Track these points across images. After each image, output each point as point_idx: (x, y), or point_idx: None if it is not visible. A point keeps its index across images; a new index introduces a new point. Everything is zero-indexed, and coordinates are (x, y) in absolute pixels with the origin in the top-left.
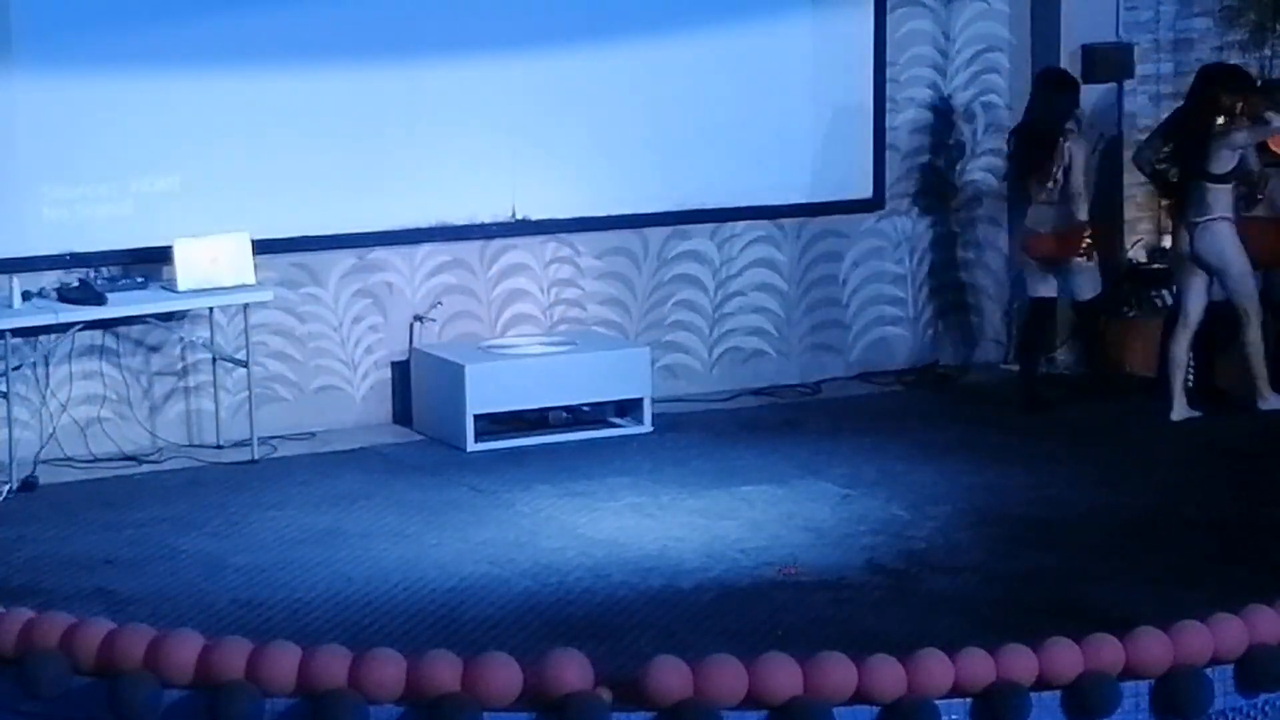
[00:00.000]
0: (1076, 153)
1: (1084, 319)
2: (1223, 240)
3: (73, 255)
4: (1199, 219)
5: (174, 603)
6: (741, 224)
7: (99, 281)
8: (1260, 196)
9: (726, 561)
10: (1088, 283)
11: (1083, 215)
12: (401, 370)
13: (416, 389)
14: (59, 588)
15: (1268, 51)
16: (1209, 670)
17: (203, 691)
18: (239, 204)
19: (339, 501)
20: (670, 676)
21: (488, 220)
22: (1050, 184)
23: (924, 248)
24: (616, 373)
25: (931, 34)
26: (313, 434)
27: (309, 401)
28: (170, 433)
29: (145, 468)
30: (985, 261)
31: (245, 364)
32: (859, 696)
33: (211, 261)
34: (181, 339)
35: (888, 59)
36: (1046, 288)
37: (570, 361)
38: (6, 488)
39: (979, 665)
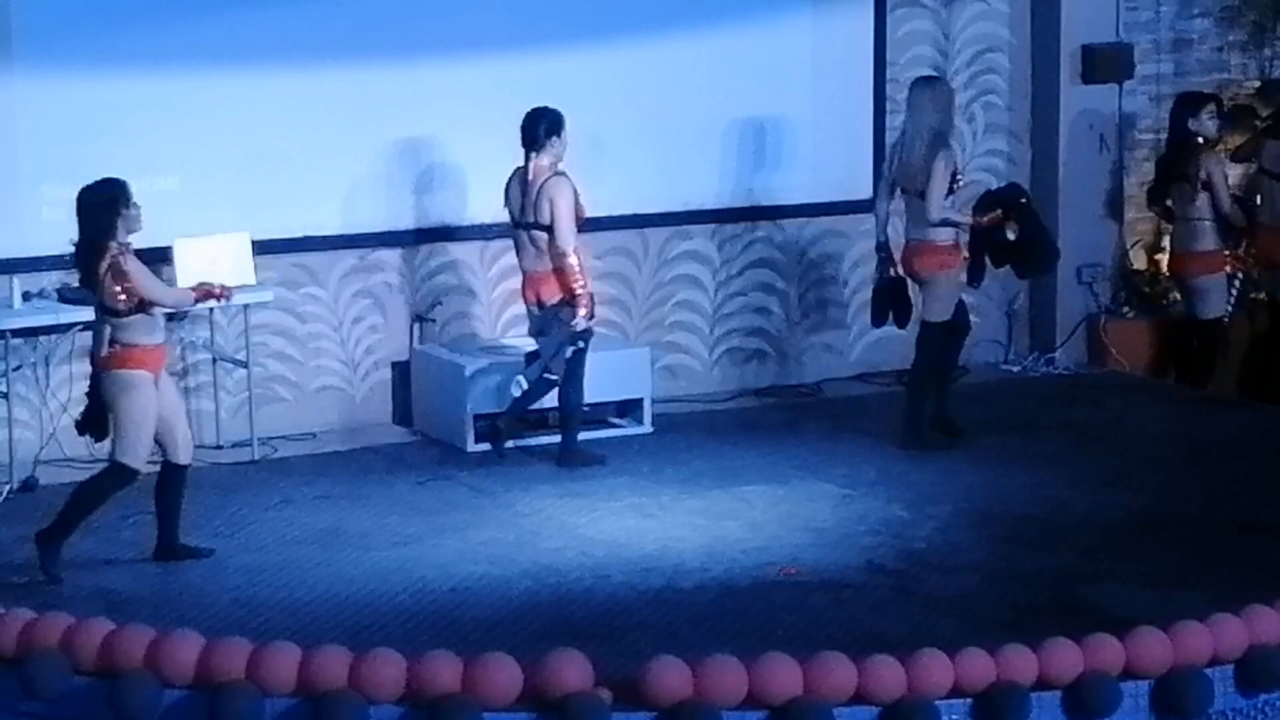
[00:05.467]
0: (1214, 169)
1: (1205, 339)
2: None
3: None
4: None
5: (174, 603)
6: (741, 224)
7: None
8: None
9: (726, 561)
10: (1209, 303)
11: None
12: (401, 370)
13: (416, 389)
14: (59, 588)
15: (1268, 52)
16: (1209, 670)
17: (203, 691)
18: (239, 204)
19: (339, 501)
20: (670, 676)
21: (488, 220)
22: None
23: None
24: (616, 373)
25: (931, 34)
26: (313, 434)
27: (309, 401)
28: None
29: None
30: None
31: (245, 364)
32: (859, 696)
33: (211, 262)
34: (181, 339)
35: (888, 59)
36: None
37: None
38: (6, 488)
39: (979, 665)
